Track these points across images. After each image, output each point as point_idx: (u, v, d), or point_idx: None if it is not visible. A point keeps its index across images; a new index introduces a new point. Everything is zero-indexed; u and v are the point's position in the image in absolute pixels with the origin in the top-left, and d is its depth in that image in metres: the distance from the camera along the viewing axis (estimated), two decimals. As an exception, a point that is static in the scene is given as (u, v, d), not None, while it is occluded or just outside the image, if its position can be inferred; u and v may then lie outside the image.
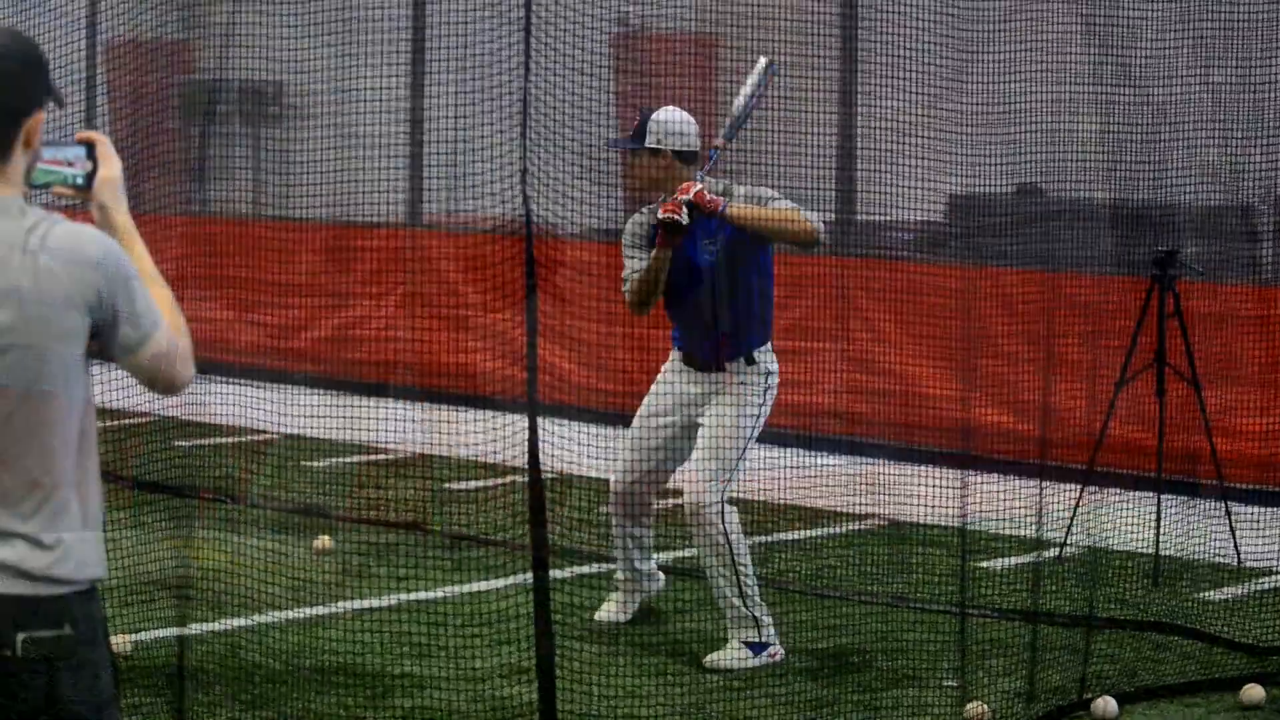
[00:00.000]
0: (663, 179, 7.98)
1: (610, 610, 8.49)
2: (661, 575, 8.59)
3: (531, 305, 6.72)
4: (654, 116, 8.04)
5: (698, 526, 7.86)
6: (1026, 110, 9.40)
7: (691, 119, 8.08)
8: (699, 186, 7.78)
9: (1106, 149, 9.86)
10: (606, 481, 8.42)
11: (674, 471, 8.19)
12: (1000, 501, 9.30)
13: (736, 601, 7.88)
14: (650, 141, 8.00)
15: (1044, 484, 8.42)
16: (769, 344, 8.10)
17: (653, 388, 8.21)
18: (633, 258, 8.04)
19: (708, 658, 7.91)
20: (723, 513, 7.84)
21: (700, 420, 8.04)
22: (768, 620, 7.97)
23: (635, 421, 8.21)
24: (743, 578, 7.88)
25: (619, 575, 8.49)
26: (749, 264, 7.98)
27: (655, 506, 8.35)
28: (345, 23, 9.80)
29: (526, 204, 6.78)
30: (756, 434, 8.03)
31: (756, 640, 7.90)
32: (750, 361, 8.02)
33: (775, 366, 8.08)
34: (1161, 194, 10.22)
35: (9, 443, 3.69)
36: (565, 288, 10.20)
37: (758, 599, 7.96)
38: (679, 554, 9.31)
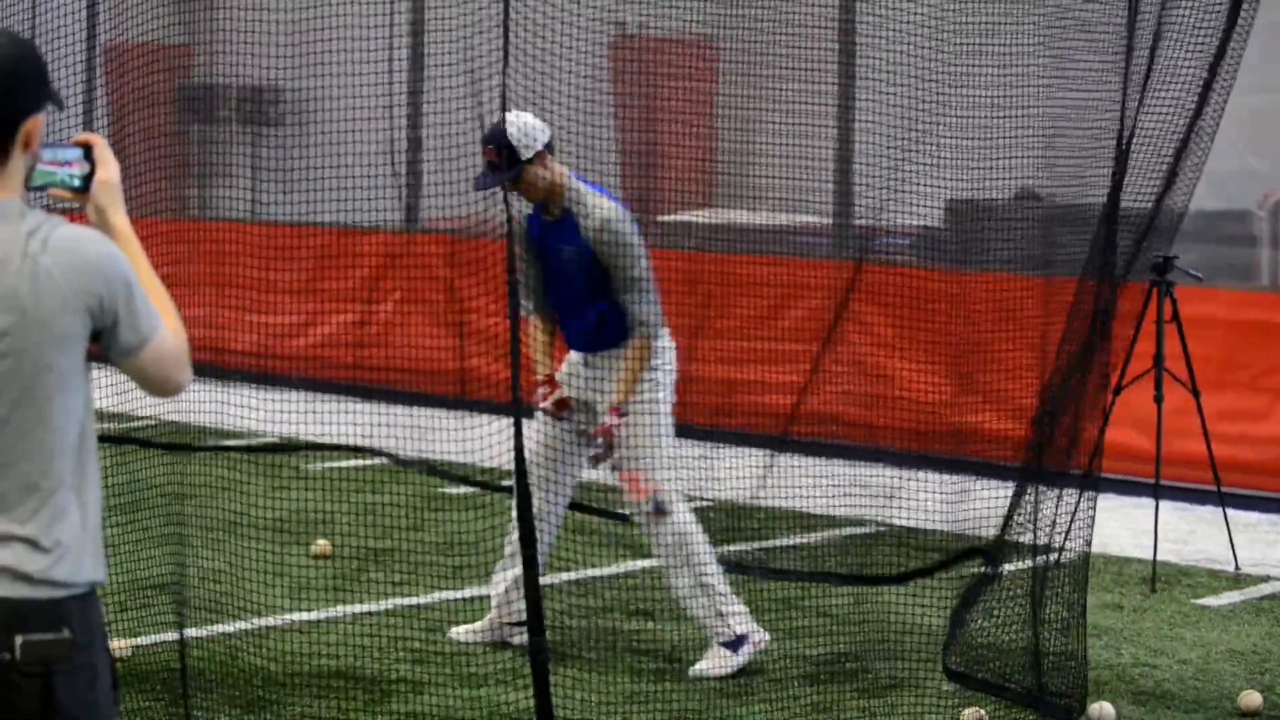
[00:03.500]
0: (551, 181, 7.68)
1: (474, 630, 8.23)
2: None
3: (514, 304, 6.73)
4: (510, 130, 7.55)
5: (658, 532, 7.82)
6: (1025, 114, 9.39)
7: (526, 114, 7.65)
8: (615, 421, 7.71)
9: (1105, 154, 9.86)
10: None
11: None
12: (999, 506, 9.29)
13: (704, 601, 7.77)
14: (526, 154, 7.60)
15: (1029, 488, 8.41)
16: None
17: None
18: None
19: (691, 669, 7.83)
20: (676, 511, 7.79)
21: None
22: (738, 610, 7.81)
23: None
24: (701, 574, 7.77)
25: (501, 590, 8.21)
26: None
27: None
28: (344, 28, 9.80)
29: (508, 205, 6.85)
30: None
31: (731, 637, 7.81)
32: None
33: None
34: (1161, 199, 10.21)
35: (7, 446, 3.68)
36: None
37: (722, 591, 7.80)
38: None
